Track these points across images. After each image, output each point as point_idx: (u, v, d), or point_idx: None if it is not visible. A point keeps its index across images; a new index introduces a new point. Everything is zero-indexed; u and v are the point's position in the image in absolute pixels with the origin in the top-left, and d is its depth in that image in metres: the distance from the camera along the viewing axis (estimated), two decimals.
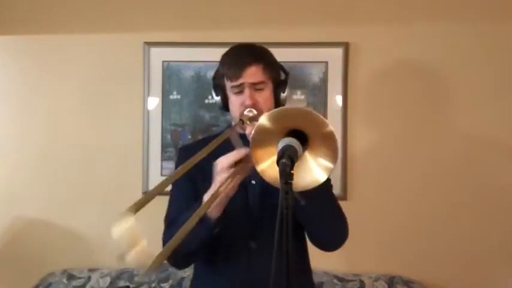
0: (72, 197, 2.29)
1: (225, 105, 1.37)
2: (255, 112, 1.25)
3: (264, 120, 0.97)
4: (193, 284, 1.44)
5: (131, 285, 2.12)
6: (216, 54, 2.20)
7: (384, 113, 2.22)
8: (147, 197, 0.76)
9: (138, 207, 0.71)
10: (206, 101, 2.25)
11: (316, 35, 2.21)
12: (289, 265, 0.88)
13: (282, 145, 0.92)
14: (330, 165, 0.98)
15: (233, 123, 1.38)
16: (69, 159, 2.30)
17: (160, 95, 2.27)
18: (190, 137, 2.26)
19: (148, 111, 2.27)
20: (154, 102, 2.27)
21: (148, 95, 2.27)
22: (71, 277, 2.17)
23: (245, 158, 1.11)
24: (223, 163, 1.13)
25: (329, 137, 0.96)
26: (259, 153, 0.98)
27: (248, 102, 1.27)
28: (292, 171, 0.87)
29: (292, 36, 2.20)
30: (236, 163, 1.12)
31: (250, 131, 1.19)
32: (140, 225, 0.63)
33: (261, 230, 1.28)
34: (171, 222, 1.33)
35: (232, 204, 1.20)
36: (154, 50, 2.26)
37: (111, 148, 2.29)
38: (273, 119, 0.97)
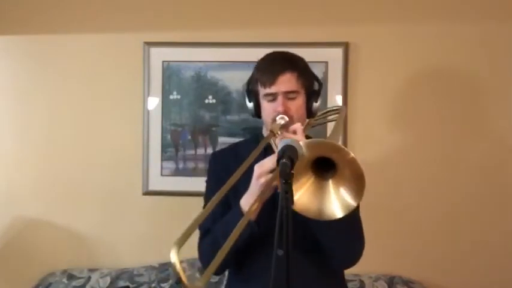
0: (72, 197, 2.29)
1: (257, 112, 1.38)
2: (287, 119, 1.26)
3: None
4: None
5: (131, 285, 2.12)
6: (216, 54, 2.24)
7: (384, 113, 2.22)
8: (191, 228, 0.81)
9: (183, 240, 0.78)
10: (206, 101, 2.25)
11: (316, 35, 2.20)
12: (289, 264, 0.88)
13: (282, 145, 0.92)
14: (351, 202, 0.98)
15: (264, 130, 1.41)
16: (69, 159, 2.30)
17: (160, 95, 2.26)
18: (190, 137, 2.26)
19: (148, 111, 2.27)
20: (154, 102, 2.27)
21: (148, 95, 2.27)
22: (71, 277, 2.18)
23: None
24: (262, 168, 1.14)
25: (359, 178, 0.97)
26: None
27: (280, 108, 1.28)
28: (292, 171, 0.87)
29: (292, 36, 2.19)
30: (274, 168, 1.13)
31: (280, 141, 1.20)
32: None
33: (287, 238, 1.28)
34: (207, 232, 1.34)
35: (260, 213, 1.21)
36: (154, 50, 2.26)
37: (111, 148, 2.29)
38: (306, 147, 0.95)
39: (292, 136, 1.18)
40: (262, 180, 1.14)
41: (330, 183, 0.99)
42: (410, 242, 2.20)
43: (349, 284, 2.09)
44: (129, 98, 2.28)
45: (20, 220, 2.31)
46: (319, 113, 1.37)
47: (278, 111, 1.28)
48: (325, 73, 2.21)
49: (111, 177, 2.28)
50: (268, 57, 1.37)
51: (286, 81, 1.29)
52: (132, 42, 2.26)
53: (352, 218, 1.28)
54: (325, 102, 2.21)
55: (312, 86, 1.37)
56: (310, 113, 1.36)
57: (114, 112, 2.30)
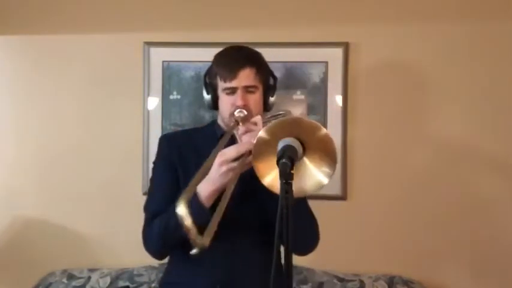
0: (72, 197, 2.29)
1: (214, 104, 1.43)
2: (245, 113, 1.30)
3: (262, 133, 1.00)
4: (169, 274, 1.48)
5: (131, 285, 2.12)
6: None
7: (384, 113, 2.22)
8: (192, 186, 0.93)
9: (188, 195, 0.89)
10: None
11: (316, 35, 2.20)
12: (290, 263, 0.89)
13: (282, 145, 0.93)
14: (328, 170, 1.00)
15: (219, 119, 1.47)
16: (69, 159, 2.30)
17: (160, 95, 2.27)
18: None
19: (148, 111, 2.27)
20: (154, 102, 2.27)
21: (148, 95, 2.27)
22: (71, 277, 2.17)
23: (245, 153, 1.16)
24: (224, 157, 1.17)
25: (325, 141, 0.99)
26: (262, 167, 1.00)
27: (239, 103, 1.32)
28: (292, 171, 0.88)
29: (292, 36, 2.20)
30: (237, 158, 1.16)
31: (242, 131, 1.26)
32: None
33: (238, 228, 1.29)
34: (155, 216, 1.36)
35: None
36: (154, 50, 2.26)
37: (111, 148, 2.29)
38: (271, 131, 0.99)
39: (254, 127, 1.24)
40: (224, 168, 1.17)
41: (306, 160, 1.01)
42: (410, 242, 2.20)
43: (349, 284, 2.10)
44: (129, 98, 2.28)
45: (20, 220, 2.31)
46: (268, 115, 1.42)
47: (237, 106, 1.32)
48: (325, 73, 2.21)
49: (111, 177, 2.28)
50: (227, 52, 1.42)
51: (246, 77, 1.34)
52: (132, 42, 2.26)
53: (307, 207, 1.36)
54: (325, 102, 2.21)
55: (268, 81, 1.43)
56: (266, 106, 1.43)
57: (114, 112, 2.29)
